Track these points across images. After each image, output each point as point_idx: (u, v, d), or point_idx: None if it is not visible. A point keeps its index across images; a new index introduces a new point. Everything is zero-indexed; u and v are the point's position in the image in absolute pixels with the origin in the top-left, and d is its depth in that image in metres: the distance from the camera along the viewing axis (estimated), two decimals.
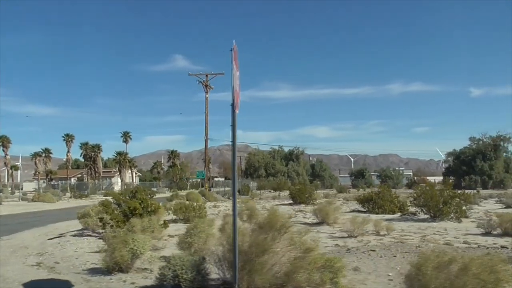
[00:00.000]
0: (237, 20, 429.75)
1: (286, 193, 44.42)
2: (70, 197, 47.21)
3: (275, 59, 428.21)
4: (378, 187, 30.90)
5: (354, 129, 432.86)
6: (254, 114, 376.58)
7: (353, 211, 22.16)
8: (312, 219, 17.27)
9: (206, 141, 37.45)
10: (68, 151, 77.58)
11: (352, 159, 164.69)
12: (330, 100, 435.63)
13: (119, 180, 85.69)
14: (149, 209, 12.63)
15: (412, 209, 18.76)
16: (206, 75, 37.71)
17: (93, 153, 77.44)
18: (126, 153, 76.31)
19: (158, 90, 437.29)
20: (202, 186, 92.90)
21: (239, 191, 45.10)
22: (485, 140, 62.62)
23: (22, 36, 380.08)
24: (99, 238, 12.02)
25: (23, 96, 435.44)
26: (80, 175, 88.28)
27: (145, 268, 7.44)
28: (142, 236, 7.51)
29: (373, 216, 18.70)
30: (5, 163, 77.09)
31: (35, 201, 38.51)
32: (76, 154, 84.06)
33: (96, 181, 76.86)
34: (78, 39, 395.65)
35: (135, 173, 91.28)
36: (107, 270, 7.24)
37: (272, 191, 55.11)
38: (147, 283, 6.52)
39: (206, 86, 37.45)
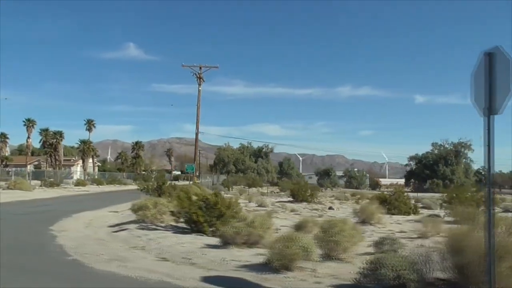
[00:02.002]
0: (191, 12, 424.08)
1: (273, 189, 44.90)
2: (41, 186, 45.06)
3: (229, 54, 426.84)
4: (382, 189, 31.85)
5: (303, 128, 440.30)
6: (205, 108, 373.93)
7: None
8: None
9: (196, 134, 37.18)
10: (29, 137, 73.86)
11: (300, 158, 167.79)
12: (282, 99, 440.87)
13: (78, 169, 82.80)
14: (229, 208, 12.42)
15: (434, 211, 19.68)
16: (200, 67, 37.35)
17: (54, 140, 74.26)
18: (91, 142, 73.84)
19: (107, 77, 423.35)
20: (176, 179, 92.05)
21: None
22: (446, 146, 66.26)
23: None
24: (185, 233, 11.80)
25: None
26: (37, 163, 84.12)
27: (303, 267, 7.52)
28: (303, 235, 7.57)
29: (397, 218, 19.58)
30: None
31: (11, 188, 36.60)
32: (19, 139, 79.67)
33: (57, 169, 73.76)
34: (27, 20, 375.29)
35: (95, 162, 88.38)
36: (272, 267, 7.28)
37: (246, 187, 55.36)
38: (334, 283, 6.67)
39: (200, 78, 37.07)
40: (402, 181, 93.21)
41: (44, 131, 75.75)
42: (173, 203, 14.46)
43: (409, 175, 70.32)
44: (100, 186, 53.58)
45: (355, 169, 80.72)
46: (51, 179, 55.16)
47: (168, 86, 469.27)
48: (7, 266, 7.56)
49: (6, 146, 78.42)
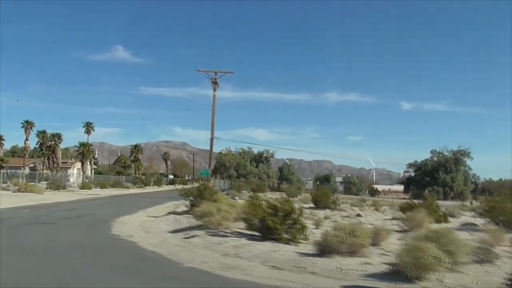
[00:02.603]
0: (180, 15, 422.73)
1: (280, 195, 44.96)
2: (47, 188, 44.43)
3: (217, 58, 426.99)
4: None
5: (291, 133, 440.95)
6: (194, 112, 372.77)
7: (394, 218, 23.13)
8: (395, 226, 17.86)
9: (211, 139, 37.08)
10: (27, 139, 72.97)
11: (288, 163, 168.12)
12: (270, 104, 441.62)
13: (75, 171, 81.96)
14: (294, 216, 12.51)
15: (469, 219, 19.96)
16: (215, 72, 37.44)
17: (52, 142, 73.50)
18: (90, 145, 73.15)
19: (94, 79, 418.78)
20: (172, 183, 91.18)
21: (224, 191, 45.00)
22: (445, 153, 67.33)
23: None
24: (257, 239, 11.81)
25: None
26: (32, 165, 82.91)
27: (429, 278, 7.66)
28: (430, 246, 7.71)
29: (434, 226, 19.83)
30: None
31: (22, 191, 36.11)
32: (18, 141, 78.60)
33: (55, 171, 72.90)
34: (16, 20, 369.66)
35: (92, 165, 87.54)
36: (402, 277, 7.42)
37: (250, 192, 55.32)
38: None
39: (215, 83, 37.14)
40: (395, 187, 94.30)
41: (42, 133, 74.96)
42: (235, 209, 14.55)
43: (408, 182, 71.19)
44: (104, 189, 53.06)
45: (354, 176, 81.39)
46: (49, 181, 54.46)
47: (155, 89, 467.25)
48: (143, 273, 7.65)
49: (1, 147, 77.26)
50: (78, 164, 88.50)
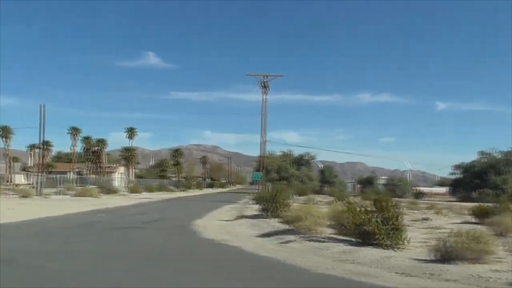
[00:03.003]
0: (207, 20, 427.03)
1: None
2: (100, 193, 45.50)
3: (245, 61, 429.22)
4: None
5: (321, 136, 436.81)
6: (223, 116, 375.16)
7: (465, 222, 22.50)
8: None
9: (263, 142, 37.07)
10: (74, 145, 75.13)
11: (320, 166, 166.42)
12: (299, 106, 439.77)
13: (118, 176, 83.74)
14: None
15: None
16: (265, 76, 37.55)
17: (97, 148, 75.42)
18: (134, 149, 74.63)
19: (126, 86, 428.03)
20: (211, 186, 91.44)
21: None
22: (495, 154, 65.26)
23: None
24: (354, 244, 11.63)
25: None
26: (78, 169, 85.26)
27: None
28: None
29: None
30: (4, 154, 73.78)
31: (80, 196, 37.13)
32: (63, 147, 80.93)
33: (100, 176, 74.75)
34: (47, 28, 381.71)
35: (134, 169, 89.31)
36: None
37: (297, 196, 54.99)
38: None
39: (265, 87, 37.23)
40: (436, 189, 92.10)
41: (87, 139, 77.01)
42: (325, 213, 14.48)
43: (456, 184, 69.33)
44: (152, 193, 53.98)
45: (397, 177, 79.92)
46: (99, 185, 55.78)
47: (185, 94, 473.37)
48: None
49: (49, 153, 79.79)
50: (120, 168, 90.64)
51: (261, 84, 36.98)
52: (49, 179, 75.97)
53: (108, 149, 79.08)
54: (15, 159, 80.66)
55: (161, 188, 60.35)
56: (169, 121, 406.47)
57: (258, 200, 21.18)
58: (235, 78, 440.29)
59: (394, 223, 12.25)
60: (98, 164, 75.24)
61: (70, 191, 42.41)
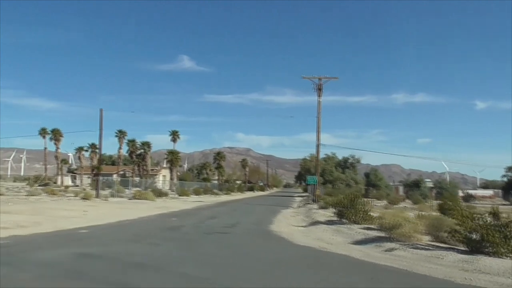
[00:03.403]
0: (242, 22, 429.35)
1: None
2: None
3: (279, 63, 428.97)
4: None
5: (356, 137, 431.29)
6: (257, 118, 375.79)
7: None
8: None
9: (318, 146, 36.79)
10: (120, 148, 76.66)
11: (368, 166, 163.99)
12: (333, 107, 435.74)
13: (161, 178, 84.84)
14: None
15: None
16: (320, 79, 37.20)
17: (142, 151, 76.68)
18: (178, 152, 75.49)
19: (161, 89, 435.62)
20: (251, 189, 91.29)
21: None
22: None
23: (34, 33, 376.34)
24: (464, 252, 11.22)
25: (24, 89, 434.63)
26: (122, 172, 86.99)
27: None
28: None
29: None
30: (56, 156, 76.03)
31: (137, 198, 37.70)
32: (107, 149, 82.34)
33: (145, 178, 75.97)
34: (84, 33, 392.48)
35: (177, 172, 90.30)
36: None
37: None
38: None
39: (320, 89, 36.87)
40: (481, 192, 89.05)
41: (131, 142, 78.37)
42: (423, 221, 14.10)
43: (509, 187, 66.94)
44: (200, 196, 54.42)
45: (446, 180, 77.78)
46: (151, 188, 56.56)
47: (219, 97, 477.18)
48: None
49: (96, 155, 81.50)
50: (163, 171, 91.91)
51: (315, 86, 36.49)
52: (94, 181, 78.03)
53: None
54: (65, 162, 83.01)
55: (207, 191, 60.74)
56: (202, 123, 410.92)
57: (333, 205, 20.79)
58: (269, 80, 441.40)
59: (510, 230, 11.80)
60: (143, 166, 76.43)
61: (120, 193, 43.17)
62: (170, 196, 48.95)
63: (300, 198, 60.97)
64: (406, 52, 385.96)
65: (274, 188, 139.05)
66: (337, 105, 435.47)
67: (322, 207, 27.10)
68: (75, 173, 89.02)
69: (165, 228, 16.89)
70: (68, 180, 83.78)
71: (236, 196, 66.19)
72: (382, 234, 14.89)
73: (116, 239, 13.05)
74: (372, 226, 17.40)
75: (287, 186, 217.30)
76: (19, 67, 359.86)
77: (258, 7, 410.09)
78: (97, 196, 37.69)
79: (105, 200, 35.90)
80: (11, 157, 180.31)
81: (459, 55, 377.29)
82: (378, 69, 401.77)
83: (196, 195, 54.97)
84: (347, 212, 19.38)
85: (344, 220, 19.71)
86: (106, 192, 43.62)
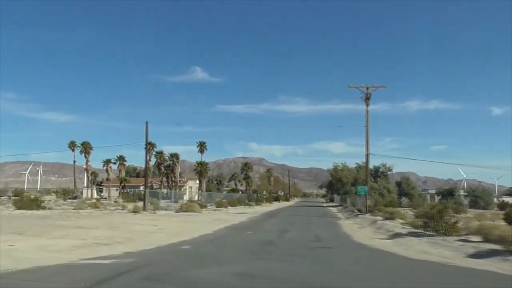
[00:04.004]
0: (254, 33, 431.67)
1: None
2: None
3: (291, 72, 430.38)
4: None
5: (370, 145, 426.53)
6: (269, 128, 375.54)
7: None
8: None
9: (367, 155, 36.24)
10: (149, 159, 76.54)
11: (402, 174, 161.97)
12: (345, 116, 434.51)
13: (187, 189, 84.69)
14: None
15: None
16: (367, 88, 36.75)
17: (171, 162, 76.70)
18: (207, 163, 75.32)
19: (174, 100, 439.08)
20: (277, 199, 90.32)
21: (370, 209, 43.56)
22: None
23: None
24: None
25: (38, 102, 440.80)
26: (149, 184, 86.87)
27: None
28: None
29: None
30: (85, 169, 76.28)
31: (184, 211, 37.34)
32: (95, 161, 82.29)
33: (173, 190, 75.87)
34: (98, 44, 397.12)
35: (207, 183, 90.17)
36: None
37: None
38: None
39: (367, 98, 36.40)
40: (509, 199, 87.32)
41: (159, 153, 78.45)
42: None
43: None
44: (236, 207, 53.97)
45: (479, 188, 76.34)
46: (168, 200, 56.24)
47: (231, 107, 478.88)
48: None
49: (124, 168, 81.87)
50: (189, 182, 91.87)
51: (363, 96, 36.06)
52: (126, 194, 78.15)
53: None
54: (95, 174, 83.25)
55: (240, 203, 60.34)
56: (215, 133, 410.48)
57: (419, 216, 20.18)
58: (281, 90, 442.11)
59: None
60: (171, 178, 76.40)
61: (154, 205, 42.67)
62: (209, 208, 48.55)
63: (335, 209, 60.27)
64: (418, 59, 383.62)
65: (294, 197, 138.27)
66: (349, 113, 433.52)
67: (387, 218, 26.44)
68: (101, 185, 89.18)
69: (260, 242, 16.40)
70: (88, 193, 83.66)
71: (269, 206, 65.73)
72: (492, 246, 14.37)
73: (233, 256, 12.58)
74: (472, 238, 16.81)
75: (303, 195, 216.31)
76: (32, 80, 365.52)
77: (275, 19, 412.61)
78: (144, 209, 37.41)
79: (152, 213, 35.60)
80: (28, 170, 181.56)
81: (473, 61, 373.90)
82: (391, 77, 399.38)
83: (232, 206, 54.48)
84: (435, 223, 18.75)
85: (429, 232, 19.11)
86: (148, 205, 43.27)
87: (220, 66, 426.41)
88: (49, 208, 36.21)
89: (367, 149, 36.70)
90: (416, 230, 20.60)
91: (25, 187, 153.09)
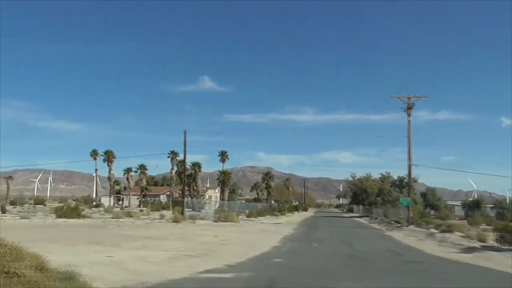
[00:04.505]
0: (262, 42, 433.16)
1: None
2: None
3: (299, 82, 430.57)
4: None
5: (378, 155, 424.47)
6: (276, 137, 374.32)
7: None
8: None
9: (409, 166, 35.81)
10: (173, 168, 76.53)
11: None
12: (354, 126, 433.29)
13: (206, 198, 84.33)
14: None
15: None
16: (409, 98, 36.43)
17: (193, 171, 76.43)
18: (229, 173, 74.98)
19: (182, 109, 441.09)
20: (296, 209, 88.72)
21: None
22: None
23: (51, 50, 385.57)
24: None
25: (49, 111, 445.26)
26: (168, 193, 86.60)
27: None
28: None
29: None
30: (108, 178, 76.16)
31: (222, 221, 37.01)
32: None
33: (196, 199, 75.58)
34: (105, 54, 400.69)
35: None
36: None
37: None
38: None
39: (409, 109, 36.06)
40: None
41: (181, 163, 78.15)
42: None
43: None
44: (265, 217, 53.50)
45: (506, 200, 75.46)
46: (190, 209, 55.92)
47: (239, 116, 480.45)
48: None
49: (145, 176, 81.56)
50: (209, 191, 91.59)
51: (405, 106, 35.77)
52: (143, 203, 77.97)
53: (164, 171, 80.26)
54: (117, 183, 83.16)
55: (267, 213, 59.91)
56: (223, 143, 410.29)
57: (498, 230, 19.66)
58: (289, 99, 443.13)
59: None
60: (193, 187, 76.12)
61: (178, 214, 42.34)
62: (240, 217, 48.15)
63: (363, 219, 59.73)
64: (425, 70, 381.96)
65: (309, 208, 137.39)
66: (358, 124, 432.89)
67: (444, 231, 25.83)
68: (119, 194, 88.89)
69: (342, 256, 16.01)
70: (110, 201, 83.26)
71: (294, 216, 65.31)
72: None
73: (341, 270, 12.17)
74: None
75: (316, 206, 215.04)
76: (40, 87, 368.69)
77: (284, 27, 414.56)
78: (185, 218, 37.11)
79: (192, 222, 35.24)
80: (38, 178, 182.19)
81: (484, 70, 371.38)
82: (398, 86, 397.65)
83: (261, 216, 54.02)
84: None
85: (506, 246, 18.64)
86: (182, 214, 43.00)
87: (229, 75, 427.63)
88: (88, 217, 36.01)
89: (409, 159, 36.33)
90: (486, 244, 20.14)
91: (35, 194, 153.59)
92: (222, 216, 37.86)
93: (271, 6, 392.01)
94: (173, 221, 34.20)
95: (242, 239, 21.79)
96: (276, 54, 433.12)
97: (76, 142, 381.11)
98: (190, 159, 77.97)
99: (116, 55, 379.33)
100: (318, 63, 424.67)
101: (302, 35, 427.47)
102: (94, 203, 78.56)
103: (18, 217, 34.77)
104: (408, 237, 27.05)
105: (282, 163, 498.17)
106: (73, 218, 33.59)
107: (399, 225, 38.10)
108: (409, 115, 36.40)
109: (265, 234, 25.97)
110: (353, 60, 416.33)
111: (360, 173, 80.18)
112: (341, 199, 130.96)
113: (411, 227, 34.06)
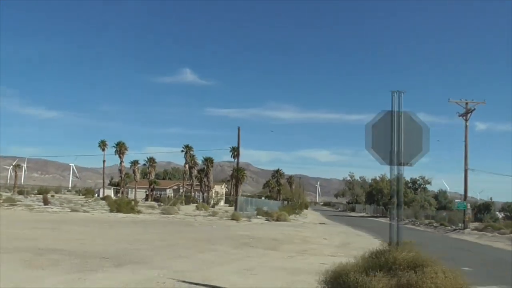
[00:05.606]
0: (245, 37, 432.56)
1: None
2: (257, 215, 44.67)
3: (282, 79, 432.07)
4: None
5: (353, 155, 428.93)
6: (256, 133, 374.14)
7: None
8: None
9: (465, 171, 36.31)
10: (186, 161, 75.40)
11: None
12: (333, 125, 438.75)
13: (213, 193, 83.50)
14: None
15: None
16: (466, 103, 36.96)
17: (205, 166, 75.76)
18: (244, 169, 74.46)
19: (163, 101, 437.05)
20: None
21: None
22: None
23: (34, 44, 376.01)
24: None
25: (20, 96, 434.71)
26: (176, 187, 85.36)
27: None
28: None
29: None
30: (119, 170, 74.54)
31: (276, 220, 36.57)
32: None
33: (207, 194, 74.85)
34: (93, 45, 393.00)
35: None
36: None
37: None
38: None
39: (467, 113, 36.67)
40: None
41: (191, 157, 77.31)
42: None
43: None
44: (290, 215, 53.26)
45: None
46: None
47: (220, 110, 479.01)
48: None
49: (154, 169, 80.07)
50: (216, 187, 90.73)
51: (464, 110, 36.38)
52: (151, 195, 76.61)
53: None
54: (128, 176, 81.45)
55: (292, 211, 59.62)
56: (201, 136, 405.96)
57: None
58: (270, 96, 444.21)
59: None
60: (205, 182, 75.45)
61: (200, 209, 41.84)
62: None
63: (382, 219, 60.18)
64: (399, 73, 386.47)
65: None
66: (337, 123, 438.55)
67: None
68: (117, 186, 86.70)
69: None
70: (110, 193, 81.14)
71: (312, 215, 65.33)
72: None
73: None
74: None
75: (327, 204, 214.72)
76: (18, 75, 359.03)
77: (267, 23, 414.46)
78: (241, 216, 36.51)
79: (247, 221, 34.70)
80: (12, 166, 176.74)
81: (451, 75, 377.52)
82: (377, 89, 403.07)
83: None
84: None
85: None
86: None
87: (210, 68, 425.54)
88: (138, 212, 35.01)
89: (466, 164, 36.65)
90: None
91: (7, 182, 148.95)
92: (274, 215, 37.48)
93: (256, 3, 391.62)
94: (232, 219, 33.60)
95: (332, 239, 21.48)
96: (257, 48, 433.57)
97: (52, 130, 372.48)
98: (164, 151, 77.06)
99: (95, 46, 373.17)
100: (301, 62, 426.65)
101: (286, 33, 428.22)
102: (95, 194, 76.84)
103: (69, 210, 33.62)
104: (494, 242, 27.05)
105: (260, 159, 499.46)
106: (128, 213, 32.63)
107: (453, 228, 38.19)
108: (466, 119, 36.81)
109: (348, 235, 25.72)
110: (337, 60, 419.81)
111: (338, 173, 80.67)
112: (338, 198, 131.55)
113: (467, 230, 34.43)
